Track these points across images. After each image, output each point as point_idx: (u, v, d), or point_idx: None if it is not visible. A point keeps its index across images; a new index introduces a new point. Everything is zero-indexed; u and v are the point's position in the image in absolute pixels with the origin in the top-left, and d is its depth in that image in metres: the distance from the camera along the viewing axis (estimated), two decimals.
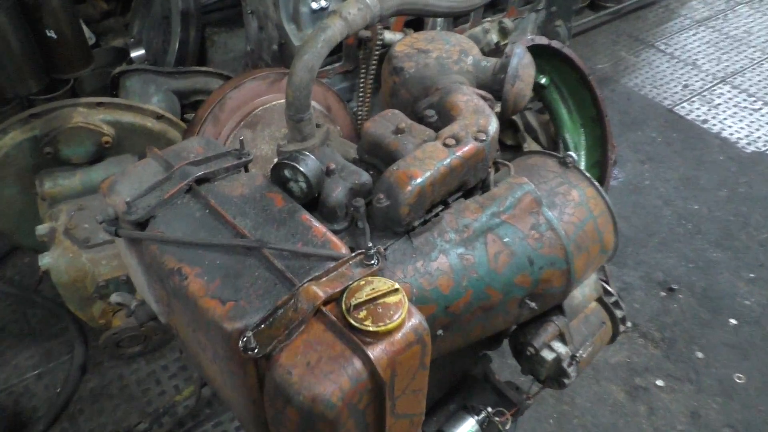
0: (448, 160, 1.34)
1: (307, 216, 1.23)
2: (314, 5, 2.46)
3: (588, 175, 1.54)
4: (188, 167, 1.28)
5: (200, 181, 1.28)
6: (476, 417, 1.75)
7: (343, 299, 1.05)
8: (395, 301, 1.04)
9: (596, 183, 1.54)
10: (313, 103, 2.41)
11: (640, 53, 4.06)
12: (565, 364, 1.60)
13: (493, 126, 1.44)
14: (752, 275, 2.67)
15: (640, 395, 2.23)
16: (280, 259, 1.13)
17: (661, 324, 2.46)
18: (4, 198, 2.19)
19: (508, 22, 2.87)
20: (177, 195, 1.24)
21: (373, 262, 1.14)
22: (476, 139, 1.39)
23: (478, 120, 1.43)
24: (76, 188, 2.12)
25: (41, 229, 2.05)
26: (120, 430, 2.07)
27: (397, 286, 1.05)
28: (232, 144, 2.26)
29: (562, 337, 1.60)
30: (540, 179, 1.53)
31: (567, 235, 1.43)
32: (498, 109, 1.70)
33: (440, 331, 1.38)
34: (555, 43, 2.76)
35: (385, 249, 1.32)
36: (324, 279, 1.10)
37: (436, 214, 1.38)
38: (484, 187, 1.51)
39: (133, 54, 3.07)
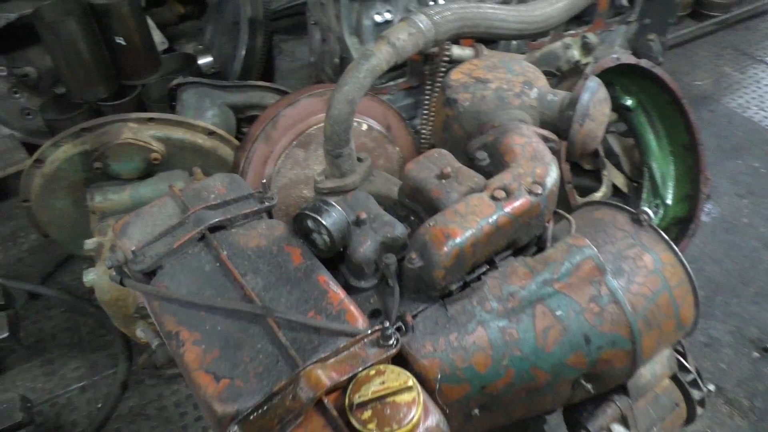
0: (495, 217, 1.16)
1: (325, 277, 1.09)
2: (378, 18, 2.31)
3: (666, 236, 1.31)
4: (204, 212, 1.17)
5: (216, 228, 1.17)
6: None
7: (348, 393, 0.90)
8: (408, 401, 0.88)
9: (675, 247, 1.30)
10: (372, 122, 2.28)
11: (746, 69, 3.63)
12: None
13: (552, 177, 1.24)
14: None
15: None
16: (288, 329, 1.00)
17: (752, 390, 2.15)
18: (58, 209, 2.19)
19: (592, 37, 2.61)
20: (188, 244, 1.14)
21: (391, 343, 0.98)
22: (530, 192, 1.20)
23: (535, 169, 1.24)
24: (126, 203, 2.09)
25: (89, 243, 2.03)
26: None
27: (410, 382, 0.89)
28: (284, 163, 2.16)
29: (624, 421, 1.38)
30: (606, 238, 1.31)
31: (634, 310, 1.21)
32: (563, 149, 1.50)
33: (476, 411, 1.20)
34: (644, 62, 2.48)
35: (415, 316, 1.15)
36: (332, 360, 0.95)
37: (478, 277, 1.20)
38: (539, 243, 1.32)
39: (201, 61, 3.05)
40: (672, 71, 2.93)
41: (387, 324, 0.98)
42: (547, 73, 2.03)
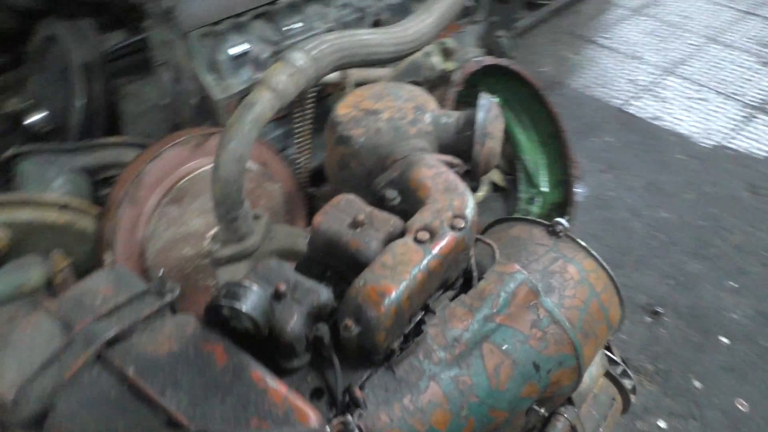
0: (425, 263, 1.08)
1: (259, 373, 0.95)
2: (232, 51, 2.15)
3: (584, 243, 1.31)
4: (94, 325, 0.97)
5: (113, 341, 0.98)
6: None
7: None
8: None
9: (594, 252, 1.31)
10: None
11: (581, 50, 3.91)
12: None
13: (471, 207, 1.18)
14: (734, 284, 2.53)
15: None
16: None
17: (653, 354, 2.28)
18: None
19: (449, 42, 2.62)
20: (83, 370, 0.94)
21: None
22: (453, 227, 1.14)
23: (452, 202, 1.18)
24: None
25: None
26: None
27: None
28: (157, 225, 1.94)
29: (573, 430, 1.38)
30: (529, 256, 1.29)
31: (572, 325, 1.20)
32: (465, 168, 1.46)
33: None
34: (504, 61, 2.55)
35: (362, 387, 1.05)
36: None
37: (418, 328, 1.12)
38: (465, 275, 1.26)
39: (31, 119, 2.67)
40: (518, 62, 3.05)
41: (348, 417, 0.86)
42: (413, 84, 2.00)
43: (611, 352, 1.53)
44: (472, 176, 1.46)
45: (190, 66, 2.17)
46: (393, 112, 1.40)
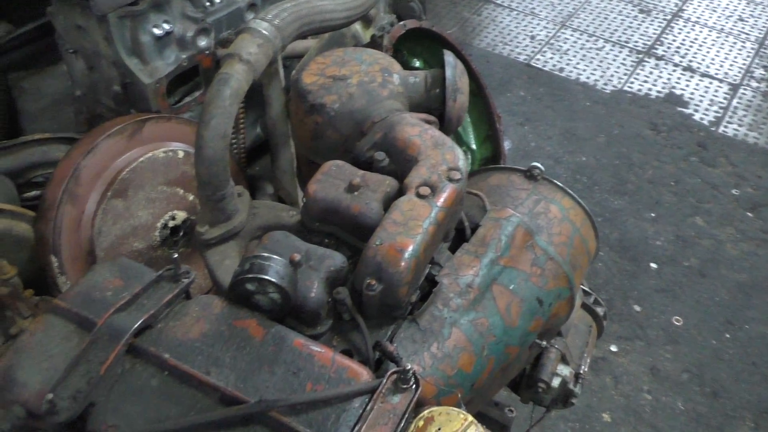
0: (434, 215, 1.11)
1: (300, 340, 0.95)
2: (157, 31, 2.03)
3: (560, 184, 1.40)
4: (116, 318, 0.93)
5: (139, 331, 0.94)
6: None
7: None
8: None
9: (570, 191, 1.40)
10: (185, 146, 2.04)
11: (481, 11, 4.03)
12: (571, 385, 1.48)
13: (462, 159, 1.23)
14: (653, 214, 2.77)
15: (601, 367, 2.22)
16: (294, 415, 0.85)
17: (594, 287, 2.47)
18: None
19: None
20: (115, 364, 0.89)
21: (411, 383, 0.90)
22: (451, 179, 1.17)
23: (444, 155, 1.21)
24: None
25: None
26: None
27: (469, 417, 0.83)
28: (102, 221, 1.83)
29: (564, 359, 1.48)
30: (513, 201, 1.35)
31: (563, 260, 1.28)
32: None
33: (463, 408, 1.18)
34: (425, 24, 2.59)
35: (391, 341, 1.07)
36: (364, 428, 0.84)
37: (432, 281, 1.16)
38: (458, 226, 1.31)
39: None
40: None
41: (404, 363, 0.89)
42: None
43: (582, 284, 1.65)
44: (445, 132, 1.50)
45: (110, 51, 2.04)
46: (361, 76, 1.40)
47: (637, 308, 2.41)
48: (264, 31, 1.31)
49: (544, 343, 1.31)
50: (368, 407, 0.85)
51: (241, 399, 0.86)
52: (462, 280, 1.16)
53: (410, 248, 1.06)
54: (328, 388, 0.89)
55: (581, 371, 1.50)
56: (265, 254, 1.02)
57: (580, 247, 1.36)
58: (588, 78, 3.53)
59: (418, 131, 1.27)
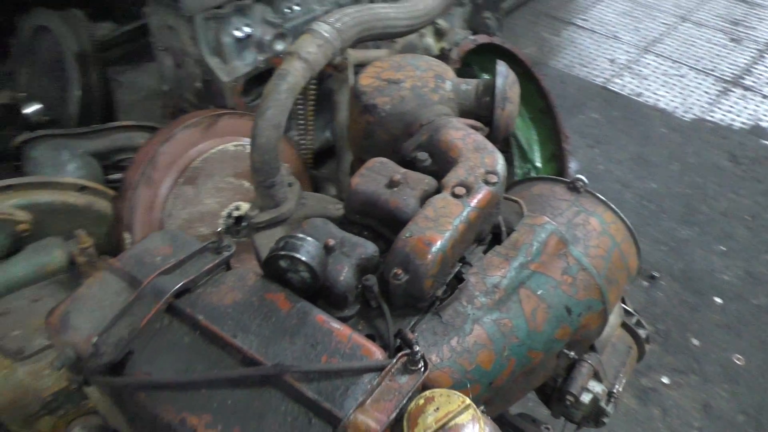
0: (465, 214, 1.15)
1: (323, 317, 1.01)
2: (237, 34, 2.19)
3: (602, 198, 1.40)
4: (160, 279, 1.02)
5: (179, 294, 1.03)
6: None
7: (405, 428, 0.84)
8: (469, 419, 0.85)
9: (612, 205, 1.39)
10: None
11: (561, 32, 4.02)
12: (603, 403, 1.46)
13: (501, 163, 1.26)
14: (723, 248, 2.66)
15: (650, 398, 2.15)
16: (307, 382, 0.91)
17: (652, 316, 2.40)
18: None
19: (442, 23, 2.70)
20: (155, 319, 0.99)
21: (420, 365, 0.94)
22: (487, 182, 1.21)
23: (483, 159, 1.25)
24: None
25: None
26: None
27: (467, 400, 0.86)
28: (173, 205, 1.98)
29: (596, 376, 1.46)
30: (553, 211, 1.37)
31: (598, 272, 1.28)
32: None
33: (482, 408, 1.20)
34: (497, 40, 2.63)
35: (413, 330, 1.12)
36: (369, 401, 0.89)
37: (459, 277, 1.19)
38: (494, 230, 1.34)
39: (27, 110, 2.67)
40: None
41: (416, 348, 0.93)
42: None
43: (625, 304, 1.63)
44: (492, 140, 1.53)
45: (195, 50, 2.20)
46: (415, 81, 1.46)
47: (696, 342, 2.32)
48: (325, 33, 1.39)
49: (573, 353, 1.31)
50: (376, 383, 0.90)
51: (261, 362, 0.93)
52: (489, 280, 1.19)
53: (438, 243, 1.10)
54: (341, 362, 0.94)
55: (615, 390, 1.48)
56: (300, 235, 1.09)
57: (618, 262, 1.36)
58: (667, 104, 3.44)
59: (461, 135, 1.31)
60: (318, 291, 1.13)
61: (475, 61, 2.74)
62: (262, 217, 1.37)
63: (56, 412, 1.75)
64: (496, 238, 1.32)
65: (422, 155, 1.34)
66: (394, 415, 0.87)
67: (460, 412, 0.84)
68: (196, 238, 1.14)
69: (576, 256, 1.26)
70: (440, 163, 1.31)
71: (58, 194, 1.83)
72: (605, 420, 1.49)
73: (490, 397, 1.19)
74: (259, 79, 2.33)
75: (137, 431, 1.00)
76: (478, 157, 1.26)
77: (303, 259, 1.04)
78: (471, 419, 0.84)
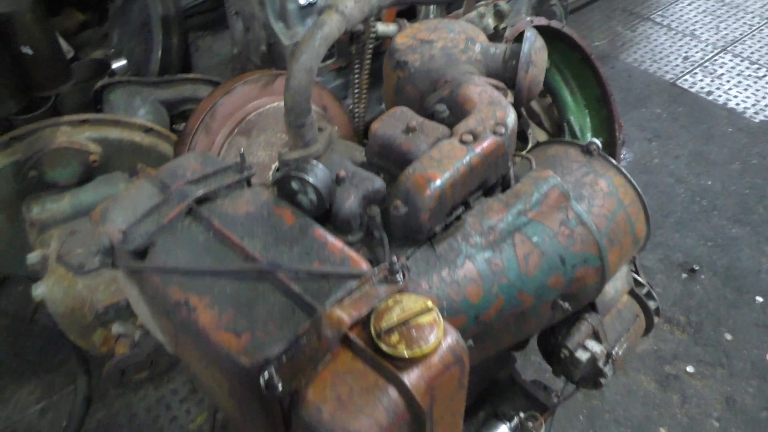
0: (467, 159, 1.23)
1: (321, 231, 1.13)
2: (302, 1, 2.34)
3: (615, 162, 1.44)
4: (186, 187, 1.17)
5: (201, 201, 1.17)
6: (508, 423, 1.65)
7: (372, 323, 0.95)
8: (429, 321, 0.94)
9: (624, 170, 1.43)
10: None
11: (636, 27, 3.95)
12: (600, 364, 1.51)
13: (512, 117, 1.33)
14: None
15: (671, 384, 2.14)
16: (297, 281, 1.03)
17: (686, 307, 2.37)
18: None
19: (503, 5, 2.75)
20: (177, 218, 1.13)
21: (398, 277, 1.04)
22: (495, 133, 1.28)
23: (495, 112, 1.33)
24: (66, 212, 2.01)
25: (32, 257, 1.94)
26: None
27: (430, 304, 0.95)
28: (227, 153, 2.15)
29: (596, 336, 1.51)
30: (564, 171, 1.42)
31: (598, 229, 1.33)
32: (511, 98, 1.60)
33: (470, 342, 1.28)
34: (554, 23, 2.65)
35: (407, 259, 1.21)
36: (347, 301, 1.00)
37: (458, 218, 1.28)
38: (504, 183, 1.41)
39: (115, 65, 2.94)
40: None
41: (394, 258, 1.03)
42: None
43: (638, 275, 1.65)
44: (516, 103, 1.59)
45: (262, 14, 2.37)
46: (446, 42, 1.55)
47: (729, 337, 2.28)
48: None
49: (567, 305, 1.36)
50: (356, 286, 1.01)
51: (258, 260, 1.05)
52: (486, 222, 1.27)
53: (438, 181, 1.19)
54: (330, 268, 1.05)
55: (614, 352, 1.51)
56: (313, 161, 1.21)
57: (623, 224, 1.40)
58: (737, 104, 3.33)
59: (479, 90, 1.39)
60: (326, 216, 1.25)
61: None
62: (291, 155, 1.49)
63: (107, 326, 1.97)
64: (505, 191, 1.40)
65: (440, 107, 1.42)
66: (365, 312, 0.97)
67: (422, 313, 0.93)
68: (222, 160, 1.28)
69: (577, 211, 1.32)
70: (457, 115, 1.40)
71: (126, 132, 2.04)
72: (603, 381, 1.53)
73: (478, 332, 1.27)
74: None
75: (154, 309, 1.15)
76: (491, 110, 1.33)
77: (310, 180, 1.16)
78: (433, 321, 0.93)
